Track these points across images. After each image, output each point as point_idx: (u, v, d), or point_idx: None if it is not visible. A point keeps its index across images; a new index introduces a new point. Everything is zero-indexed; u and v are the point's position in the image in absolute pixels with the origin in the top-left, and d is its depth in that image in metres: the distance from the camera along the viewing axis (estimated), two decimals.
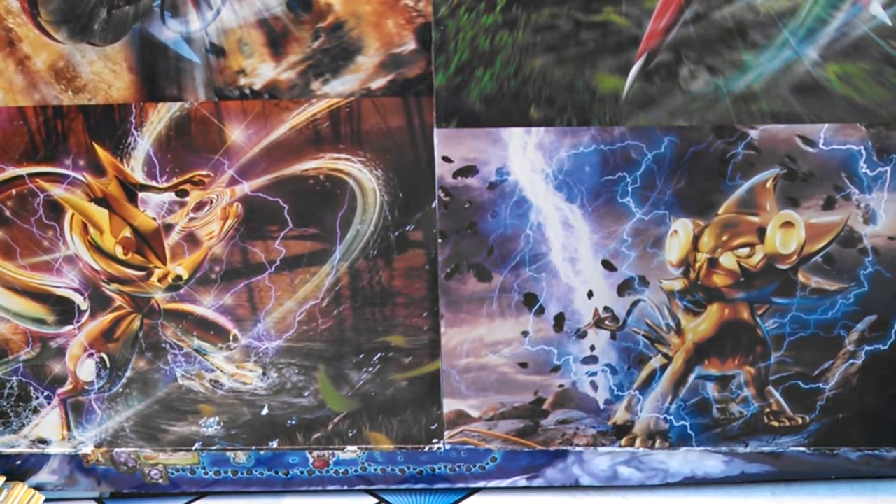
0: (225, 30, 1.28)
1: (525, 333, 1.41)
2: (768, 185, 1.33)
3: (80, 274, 1.40)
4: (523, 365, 1.42)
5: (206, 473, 1.53)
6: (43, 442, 1.49)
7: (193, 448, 1.48)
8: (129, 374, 1.45)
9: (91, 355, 1.44)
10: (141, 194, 1.36)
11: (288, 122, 1.33)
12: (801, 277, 1.36)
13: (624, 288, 1.38)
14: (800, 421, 1.43)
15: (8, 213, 1.37)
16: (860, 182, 1.32)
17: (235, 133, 1.33)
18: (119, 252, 1.39)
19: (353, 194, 1.36)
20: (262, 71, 1.30)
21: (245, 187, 1.36)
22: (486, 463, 1.52)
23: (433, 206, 1.36)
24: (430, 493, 1.53)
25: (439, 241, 1.37)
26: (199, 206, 1.37)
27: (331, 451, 1.50)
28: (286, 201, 1.36)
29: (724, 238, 1.36)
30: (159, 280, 1.40)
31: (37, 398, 1.46)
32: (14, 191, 1.36)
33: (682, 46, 1.27)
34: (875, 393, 1.41)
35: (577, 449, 1.47)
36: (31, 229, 1.38)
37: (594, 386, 1.43)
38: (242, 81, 1.31)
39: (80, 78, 1.31)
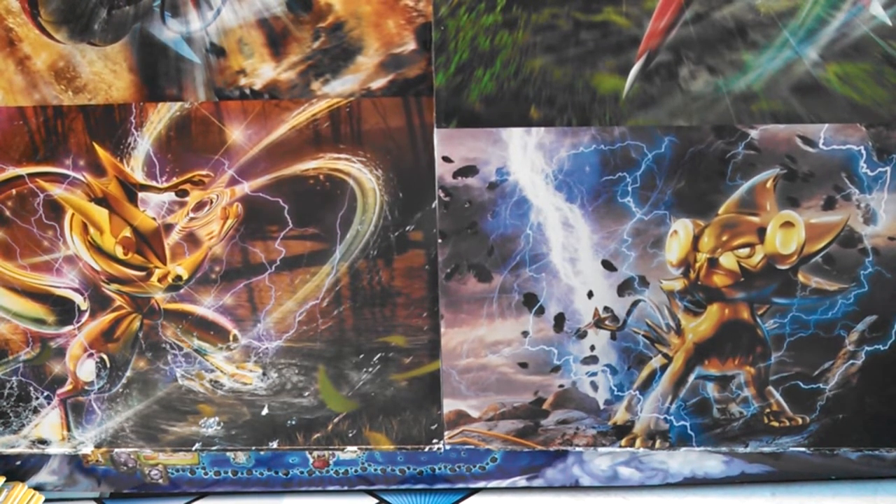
0: (225, 30, 1.28)
1: (525, 333, 1.41)
2: (768, 185, 1.33)
3: (80, 274, 1.40)
4: (523, 365, 1.42)
5: (206, 473, 1.53)
6: (43, 442, 1.49)
7: (193, 448, 1.48)
8: (129, 374, 1.45)
9: (91, 355, 1.44)
10: (141, 194, 1.36)
11: (288, 123, 1.33)
12: (801, 277, 1.36)
13: (624, 288, 1.38)
14: (800, 421, 1.43)
15: (8, 213, 1.37)
16: (860, 182, 1.32)
17: (235, 133, 1.33)
18: (119, 252, 1.39)
19: (353, 194, 1.36)
20: (262, 71, 1.30)
21: (245, 187, 1.36)
22: (486, 463, 1.52)
23: (433, 206, 1.36)
24: (430, 494, 1.53)
25: (439, 241, 1.37)
26: (199, 206, 1.37)
27: (331, 452, 1.50)
28: (286, 201, 1.36)
29: (724, 238, 1.36)
30: (159, 280, 1.40)
31: (37, 398, 1.46)
32: (14, 191, 1.36)
33: (682, 46, 1.27)
34: (875, 393, 1.41)
35: (577, 449, 1.47)
36: (31, 229, 1.38)
37: (594, 386, 1.43)
38: (242, 81, 1.31)
39: (80, 78, 1.31)
